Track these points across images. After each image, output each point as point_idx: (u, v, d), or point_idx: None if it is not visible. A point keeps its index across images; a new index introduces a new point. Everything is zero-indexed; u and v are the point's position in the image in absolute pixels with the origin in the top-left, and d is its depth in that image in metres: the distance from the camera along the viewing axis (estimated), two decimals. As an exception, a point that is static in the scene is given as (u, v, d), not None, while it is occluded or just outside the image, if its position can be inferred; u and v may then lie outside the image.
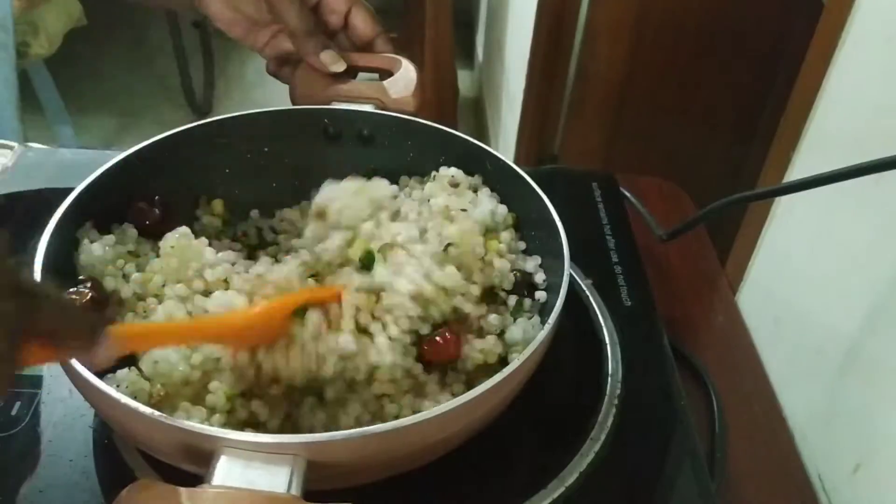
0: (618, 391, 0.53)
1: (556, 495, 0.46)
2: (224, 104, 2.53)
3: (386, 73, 0.63)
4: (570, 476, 0.47)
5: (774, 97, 1.26)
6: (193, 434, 0.35)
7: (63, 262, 0.46)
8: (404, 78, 0.61)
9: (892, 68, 0.56)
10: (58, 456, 0.46)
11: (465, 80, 2.61)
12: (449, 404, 0.37)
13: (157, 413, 0.36)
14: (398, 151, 0.60)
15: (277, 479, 0.33)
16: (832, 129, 0.64)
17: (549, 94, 1.55)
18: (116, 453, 0.46)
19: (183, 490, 0.31)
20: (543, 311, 0.51)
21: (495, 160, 0.56)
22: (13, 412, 0.48)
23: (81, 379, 0.38)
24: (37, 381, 0.50)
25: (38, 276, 0.42)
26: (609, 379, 0.54)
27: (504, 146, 1.91)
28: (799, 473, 0.60)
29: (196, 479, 0.34)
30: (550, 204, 0.51)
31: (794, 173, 0.68)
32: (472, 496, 0.47)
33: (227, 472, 0.34)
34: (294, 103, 0.63)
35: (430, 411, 0.37)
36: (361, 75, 0.65)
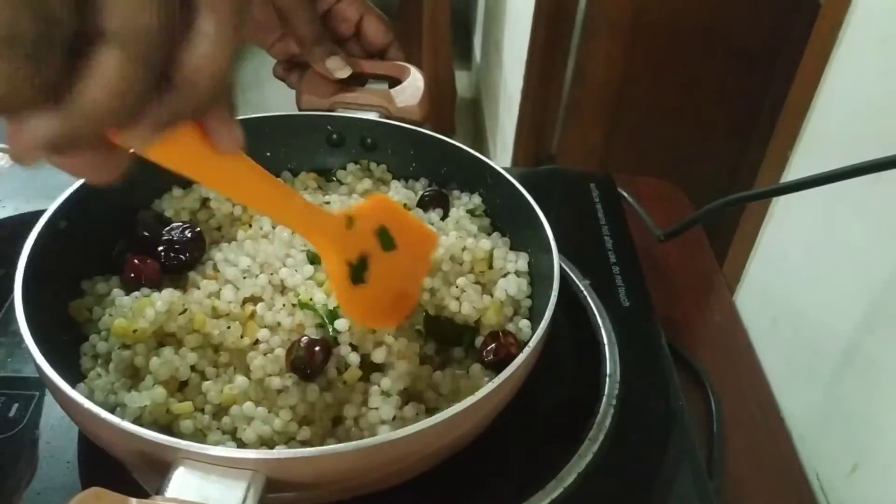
0: (616, 392, 0.53)
1: (554, 496, 0.46)
2: (221, 105, 2.53)
3: (395, 81, 0.63)
4: (569, 477, 0.47)
5: (772, 97, 1.26)
6: (152, 443, 0.35)
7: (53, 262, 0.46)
8: (412, 86, 0.61)
9: (889, 68, 0.56)
10: (55, 458, 0.46)
11: (462, 81, 2.61)
12: (419, 425, 0.36)
13: (115, 419, 0.35)
14: (401, 160, 0.60)
15: (232, 494, 0.33)
16: (829, 129, 0.64)
17: (547, 94, 1.55)
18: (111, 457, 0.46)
19: (133, 501, 0.30)
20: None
21: (495, 173, 0.56)
22: (11, 414, 0.48)
23: (48, 379, 0.38)
24: (35, 383, 0.50)
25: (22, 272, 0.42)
26: (607, 379, 0.54)
27: (502, 147, 1.91)
28: (797, 473, 0.60)
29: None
30: (547, 223, 0.50)
31: (792, 173, 0.68)
32: (470, 497, 0.47)
33: (182, 485, 0.33)
34: (300, 109, 0.63)
35: (398, 432, 0.36)
36: (371, 83, 0.65)
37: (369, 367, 0.45)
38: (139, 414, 0.41)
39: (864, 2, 0.59)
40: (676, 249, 0.76)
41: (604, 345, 0.57)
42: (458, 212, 0.56)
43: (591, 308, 0.60)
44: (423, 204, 0.58)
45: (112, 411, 0.40)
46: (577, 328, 0.59)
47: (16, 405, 0.49)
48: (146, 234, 0.52)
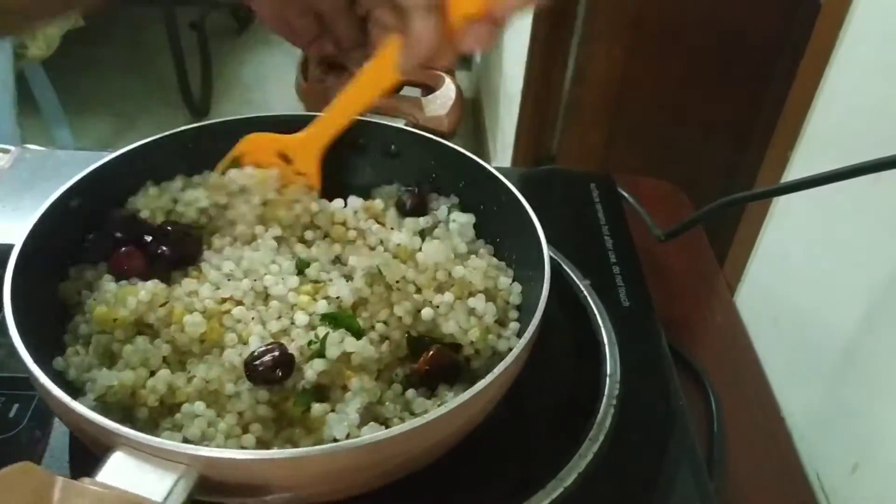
0: (616, 392, 0.53)
1: (554, 496, 0.46)
2: (222, 105, 2.53)
3: (429, 90, 0.62)
4: (569, 477, 0.47)
5: (772, 97, 1.26)
6: (93, 424, 0.35)
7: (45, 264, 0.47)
8: (443, 96, 0.61)
9: (890, 68, 0.56)
10: (56, 458, 0.46)
11: (462, 82, 2.60)
12: (375, 436, 0.36)
13: (64, 396, 0.36)
14: (421, 170, 0.60)
15: (159, 485, 0.33)
16: (830, 129, 0.64)
17: (547, 95, 1.55)
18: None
19: (59, 479, 0.31)
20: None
21: (508, 193, 0.54)
22: (11, 414, 0.48)
23: (21, 360, 0.38)
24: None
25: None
26: (607, 379, 0.54)
27: (502, 147, 1.91)
28: (797, 473, 0.60)
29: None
30: (546, 245, 0.49)
31: (792, 173, 0.68)
32: (470, 497, 0.47)
33: (114, 469, 0.34)
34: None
35: (361, 439, 0.36)
36: (409, 90, 0.64)
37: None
38: (104, 392, 0.42)
39: (865, 2, 0.59)
40: (676, 249, 0.76)
41: (604, 345, 0.57)
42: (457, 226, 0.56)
43: (591, 308, 0.60)
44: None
45: (82, 387, 0.42)
46: (577, 328, 0.59)
47: (16, 405, 0.49)
48: (118, 234, 0.52)
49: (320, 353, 0.45)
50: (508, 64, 1.84)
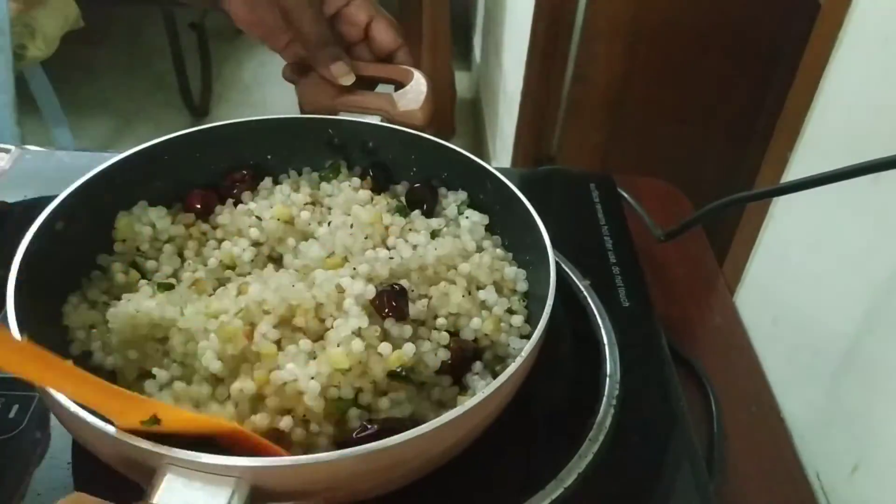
0: (616, 392, 0.53)
1: (554, 496, 0.46)
2: (221, 106, 2.54)
3: (401, 85, 0.63)
4: (569, 477, 0.47)
5: (772, 98, 1.26)
6: (138, 450, 0.35)
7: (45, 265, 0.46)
8: (414, 90, 0.61)
9: (889, 69, 0.56)
10: (56, 459, 0.46)
11: (462, 82, 2.61)
12: (411, 433, 0.36)
13: (102, 424, 0.35)
14: (401, 165, 0.60)
15: (215, 501, 0.33)
16: (829, 129, 0.64)
17: (547, 95, 1.55)
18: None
19: None
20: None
21: (496, 180, 0.55)
22: (11, 415, 0.48)
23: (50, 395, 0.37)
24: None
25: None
26: (607, 380, 0.54)
27: (501, 147, 1.91)
28: (797, 474, 0.60)
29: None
30: (546, 234, 0.50)
31: (792, 174, 0.68)
32: (470, 497, 0.47)
33: (166, 491, 0.33)
34: (302, 111, 0.63)
35: (389, 440, 0.36)
36: (381, 86, 0.64)
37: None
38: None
39: (864, 2, 0.59)
40: (676, 250, 0.76)
41: (604, 345, 0.57)
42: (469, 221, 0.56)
43: (591, 308, 0.60)
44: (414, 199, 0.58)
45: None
46: (577, 329, 0.59)
47: (16, 406, 0.49)
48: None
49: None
50: (508, 64, 1.84)
